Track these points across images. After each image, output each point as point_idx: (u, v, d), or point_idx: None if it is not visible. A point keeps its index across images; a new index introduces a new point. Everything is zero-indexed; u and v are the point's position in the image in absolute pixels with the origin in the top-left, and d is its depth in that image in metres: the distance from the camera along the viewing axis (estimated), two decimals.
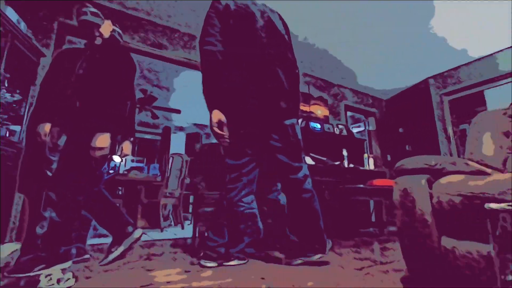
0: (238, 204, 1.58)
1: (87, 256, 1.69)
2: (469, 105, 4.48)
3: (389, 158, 5.13)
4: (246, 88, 1.48)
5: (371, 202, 3.85)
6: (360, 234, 3.05)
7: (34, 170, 1.73)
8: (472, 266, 0.92)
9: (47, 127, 1.66)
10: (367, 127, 5.55)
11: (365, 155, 3.96)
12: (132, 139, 2.16)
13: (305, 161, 1.65)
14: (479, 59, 4.07)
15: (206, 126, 7.88)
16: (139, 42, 3.15)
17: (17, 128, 2.38)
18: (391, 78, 4.71)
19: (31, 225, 1.66)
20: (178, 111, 6.26)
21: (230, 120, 1.46)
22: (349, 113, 5.14)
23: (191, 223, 4.86)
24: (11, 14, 2.14)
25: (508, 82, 3.81)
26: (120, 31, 1.99)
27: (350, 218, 3.20)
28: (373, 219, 3.84)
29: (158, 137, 7.96)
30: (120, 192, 4.27)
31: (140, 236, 1.72)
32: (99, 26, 1.76)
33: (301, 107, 4.13)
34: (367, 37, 3.55)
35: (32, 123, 1.75)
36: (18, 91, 2.37)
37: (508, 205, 0.59)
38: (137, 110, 5.47)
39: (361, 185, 3.06)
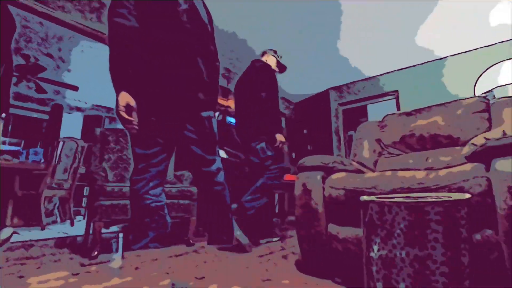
0: (145, 197, 1.47)
1: None
2: (356, 116, 5.47)
3: (294, 155, 5.72)
4: (162, 73, 1.38)
5: (276, 195, 4.22)
6: None
7: None
8: (349, 248, 1.13)
9: None
10: None
11: None
12: (4, 115, 1.72)
13: (219, 154, 1.66)
14: (367, 79, 4.99)
15: (111, 108, 6.95)
16: None
17: None
18: (301, 84, 5.26)
19: None
20: (75, 88, 5.28)
21: (141, 105, 1.33)
22: None
23: (84, 218, 4.24)
24: None
25: (385, 100, 4.83)
26: None
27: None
28: (276, 210, 4.22)
29: (45, 116, 6.55)
30: None
31: (9, 237, 1.39)
32: None
33: (219, 101, 4.13)
34: (286, 43, 3.84)
35: None
36: None
37: (376, 198, 0.74)
38: (14, 79, 4.39)
39: None
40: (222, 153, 3.18)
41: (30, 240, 2.15)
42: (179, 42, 1.43)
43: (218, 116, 3.63)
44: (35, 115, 6.56)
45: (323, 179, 1.31)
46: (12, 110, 6.14)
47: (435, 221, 0.63)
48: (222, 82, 4.36)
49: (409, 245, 0.63)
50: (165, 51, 1.39)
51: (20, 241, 2.06)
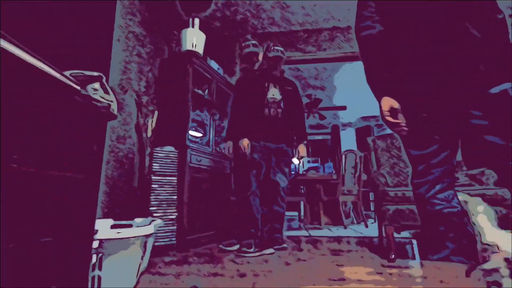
0: (433, 202, 1.31)
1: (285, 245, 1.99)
2: None
3: None
4: (424, 59, 1.23)
5: None
6: None
7: (241, 176, 2.28)
8: None
9: (245, 141, 2.13)
10: None
11: None
12: (305, 142, 2.36)
13: None
14: None
15: (375, 117, 7.25)
16: (298, 52, 3.42)
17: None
18: None
19: (240, 217, 2.21)
20: (343, 108, 6.19)
21: (406, 105, 1.26)
22: None
23: (375, 221, 4.58)
24: (214, 65, 2.98)
25: None
26: (281, 49, 2.27)
27: None
28: None
29: (328, 136, 8.19)
30: (302, 191, 4.75)
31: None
32: (257, 54, 2.17)
33: None
34: None
35: (226, 138, 2.34)
36: (225, 119, 3.23)
37: None
38: (305, 115, 5.90)
39: None
40: None
41: (339, 236, 2.68)
42: (432, 17, 1.21)
43: None
44: (321, 137, 8.43)
45: None
46: (309, 137, 8.37)
47: None
48: None
49: None
50: (420, 34, 1.24)
51: (331, 236, 2.65)
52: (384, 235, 2.19)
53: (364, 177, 3.98)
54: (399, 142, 2.19)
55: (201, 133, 2.71)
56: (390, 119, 1.25)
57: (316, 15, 3.26)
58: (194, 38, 2.52)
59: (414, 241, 2.43)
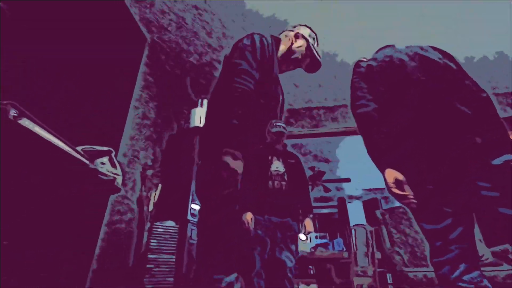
0: (460, 285, 1.16)
1: None
2: None
3: None
4: (422, 134, 1.28)
5: None
6: None
7: (244, 254, 2.10)
8: None
9: (248, 215, 2.05)
10: None
11: None
12: (311, 215, 2.27)
13: None
14: None
15: (381, 189, 7.13)
16: (298, 127, 3.62)
17: None
18: None
19: None
20: (347, 180, 6.16)
21: (410, 176, 1.25)
22: None
23: None
24: None
25: None
26: (283, 124, 2.41)
27: None
28: None
29: (335, 209, 7.90)
30: (311, 272, 4.30)
31: None
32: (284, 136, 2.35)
33: None
34: None
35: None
36: None
37: None
38: (309, 187, 5.85)
39: None
40: None
41: None
42: (424, 97, 1.32)
43: None
44: (327, 210, 8.12)
45: None
46: (314, 210, 8.06)
47: None
48: (502, 113, 3.24)
49: None
50: (415, 112, 1.33)
51: None
52: None
53: (377, 255, 3.66)
54: (409, 214, 2.09)
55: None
56: (396, 191, 1.23)
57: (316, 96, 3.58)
58: (201, 117, 2.72)
59: None
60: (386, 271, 4.56)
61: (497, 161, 1.16)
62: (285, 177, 2.24)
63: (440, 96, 1.31)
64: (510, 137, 1.19)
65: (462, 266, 1.18)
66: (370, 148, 1.39)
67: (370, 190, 7.27)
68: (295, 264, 2.10)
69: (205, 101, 2.85)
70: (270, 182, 2.18)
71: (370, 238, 3.59)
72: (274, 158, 2.31)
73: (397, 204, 1.32)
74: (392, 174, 1.26)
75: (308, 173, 5.82)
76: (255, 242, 2.02)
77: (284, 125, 2.41)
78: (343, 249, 4.62)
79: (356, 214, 7.16)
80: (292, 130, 3.58)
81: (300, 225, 2.22)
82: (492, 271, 1.44)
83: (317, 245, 5.07)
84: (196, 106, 2.80)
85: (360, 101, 1.47)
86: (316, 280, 3.72)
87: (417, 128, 1.30)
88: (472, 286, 1.15)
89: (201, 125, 2.70)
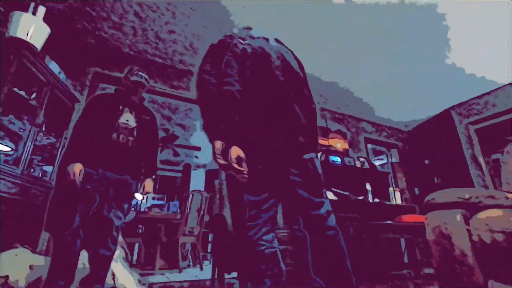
0: (259, 243, 1.51)
1: None
2: (499, 134, 4.26)
3: (417, 191, 4.84)
4: (263, 124, 1.51)
5: (402, 240, 3.56)
6: (392, 277, 2.78)
7: (63, 209, 1.79)
8: None
9: (77, 167, 1.75)
10: (390, 160, 5.36)
11: (391, 189, 3.76)
12: (154, 177, 2.21)
13: (326, 196, 1.59)
14: (502, 87, 3.97)
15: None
16: (159, 83, 3.38)
17: (49, 168, 2.53)
18: (409, 109, 4.67)
19: (53, 261, 1.68)
20: (198, 148, 6.43)
21: (248, 156, 1.47)
22: (369, 146, 5.03)
23: (210, 263, 4.68)
24: (54, 67, 2.41)
25: None
26: (146, 76, 2.17)
27: (380, 259, 2.95)
28: (405, 259, 3.51)
29: (179, 174, 8.09)
30: (140, 231, 4.27)
31: None
32: (144, 88, 2.06)
33: (320, 141, 4.10)
34: (382, 68, 3.61)
35: (63, 163, 1.85)
36: (53, 134, 2.56)
37: None
38: (159, 148, 5.67)
39: (390, 222, 2.87)
40: (330, 195, 3.02)
41: (170, 282, 2.52)
42: (276, 94, 1.56)
43: (320, 157, 3.57)
44: (172, 174, 8.21)
45: (465, 218, 1.03)
46: (158, 172, 7.92)
47: None
48: (321, 122, 4.37)
49: None
50: (265, 104, 1.54)
51: (162, 282, 2.45)
52: (216, 276, 2.26)
53: (206, 218, 4.11)
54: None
55: (10, 147, 2.01)
56: (236, 166, 1.42)
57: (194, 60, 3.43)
58: (31, 28, 1.99)
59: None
60: (210, 232, 5.20)
61: (307, 156, 1.57)
62: (134, 132, 2.04)
63: (288, 97, 1.60)
64: (319, 140, 1.64)
65: (264, 229, 1.53)
66: (212, 118, 1.50)
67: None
68: (123, 223, 2.00)
69: (42, 9, 2.09)
70: (115, 134, 1.93)
71: (204, 203, 3.95)
72: (126, 109, 2.05)
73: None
74: (236, 151, 1.43)
75: (162, 134, 5.60)
76: (80, 198, 1.76)
77: (146, 76, 2.17)
78: (177, 211, 4.86)
79: (197, 181, 7.66)
80: (154, 85, 3.29)
81: (140, 184, 2.12)
82: (281, 233, 1.97)
83: (152, 206, 5.06)
84: (26, 10, 2.01)
85: (228, 78, 1.55)
86: (142, 239, 3.74)
87: (262, 117, 1.53)
88: (267, 243, 1.53)
89: (29, 39, 1.97)
